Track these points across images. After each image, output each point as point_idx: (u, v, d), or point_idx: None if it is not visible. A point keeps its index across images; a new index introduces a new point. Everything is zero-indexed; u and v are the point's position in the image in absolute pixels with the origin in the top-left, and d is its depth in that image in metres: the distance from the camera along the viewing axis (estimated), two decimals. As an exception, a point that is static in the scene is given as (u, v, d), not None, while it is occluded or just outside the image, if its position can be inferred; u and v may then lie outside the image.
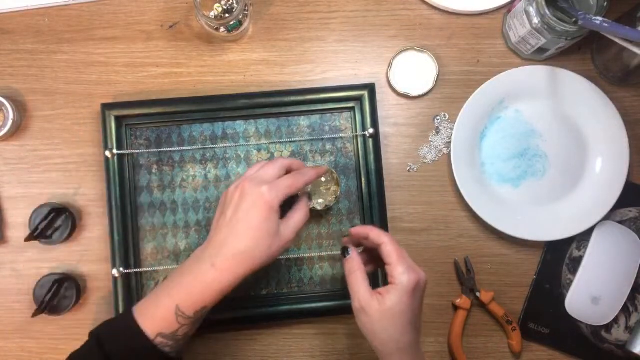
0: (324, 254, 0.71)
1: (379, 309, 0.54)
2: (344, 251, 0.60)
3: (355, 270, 0.57)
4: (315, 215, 0.71)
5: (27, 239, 0.67)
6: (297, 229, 0.58)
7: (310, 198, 0.62)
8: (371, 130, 0.70)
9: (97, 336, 0.53)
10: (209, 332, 0.71)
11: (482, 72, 0.73)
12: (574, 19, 0.63)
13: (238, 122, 0.72)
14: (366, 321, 0.56)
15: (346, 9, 0.74)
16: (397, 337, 0.55)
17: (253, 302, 0.71)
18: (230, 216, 0.55)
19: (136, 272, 0.70)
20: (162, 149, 0.71)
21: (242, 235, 0.54)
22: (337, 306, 0.69)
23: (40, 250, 0.71)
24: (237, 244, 0.54)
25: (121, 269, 0.68)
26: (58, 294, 0.68)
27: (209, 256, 0.54)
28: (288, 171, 0.59)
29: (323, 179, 0.68)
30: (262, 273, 0.71)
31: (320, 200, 0.68)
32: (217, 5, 0.70)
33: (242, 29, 0.71)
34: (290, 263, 0.71)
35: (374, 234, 0.58)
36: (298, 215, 0.58)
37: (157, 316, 0.53)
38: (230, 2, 0.70)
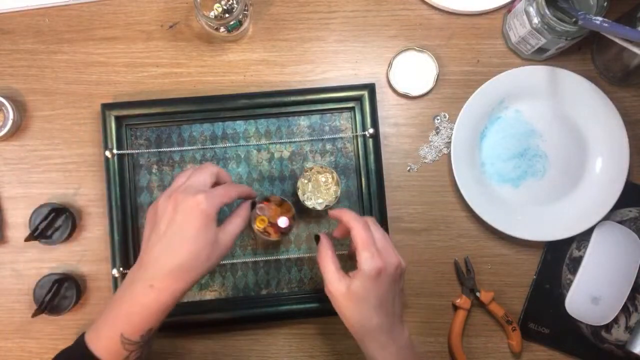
0: (324, 254, 0.71)
1: (346, 293, 0.55)
2: (317, 238, 0.61)
3: (324, 255, 0.58)
4: (315, 215, 0.71)
5: (27, 239, 0.67)
6: (235, 235, 0.57)
7: (253, 206, 0.63)
8: (371, 130, 0.70)
9: None
10: (209, 332, 0.71)
11: (482, 72, 0.73)
12: (574, 19, 0.63)
13: (238, 122, 0.72)
14: (336, 304, 0.57)
15: (346, 9, 0.74)
16: (364, 321, 0.56)
17: (253, 302, 0.71)
18: (164, 230, 0.53)
19: (136, 272, 0.70)
20: (162, 149, 0.71)
21: (179, 248, 0.52)
22: (337, 306, 0.69)
23: (40, 250, 0.71)
24: (173, 259, 0.52)
25: (121, 269, 0.68)
26: (58, 294, 0.68)
27: (145, 276, 0.52)
28: (218, 180, 0.58)
29: (323, 179, 0.68)
30: (262, 273, 0.71)
31: (320, 201, 0.68)
32: (217, 5, 0.70)
33: (242, 29, 0.71)
34: (290, 263, 0.71)
35: (345, 218, 0.58)
36: (237, 221, 0.58)
37: (104, 346, 0.52)
38: (230, 2, 0.70)
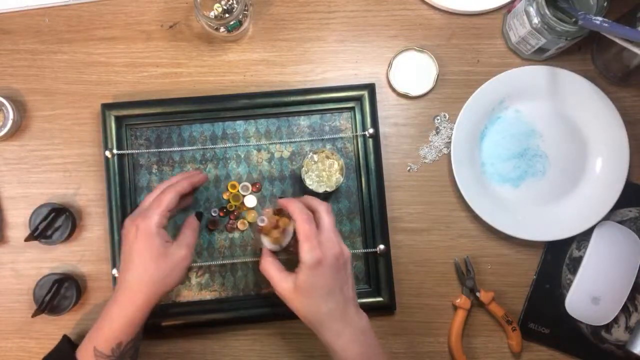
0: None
1: (293, 288, 0.58)
2: (198, 215, 0.66)
3: (264, 261, 0.61)
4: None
5: (27, 239, 0.67)
6: (188, 245, 0.62)
7: (199, 217, 0.67)
8: (371, 130, 0.70)
9: None
10: (209, 332, 0.71)
11: (482, 72, 0.73)
12: (574, 19, 0.63)
13: (238, 122, 0.72)
14: (287, 302, 0.59)
15: (346, 9, 0.74)
16: (314, 311, 0.58)
17: (253, 302, 0.71)
18: (124, 252, 0.60)
19: (136, 272, 0.70)
20: (162, 149, 0.71)
21: (133, 266, 0.58)
22: (337, 306, 0.69)
23: (40, 250, 0.71)
24: (129, 275, 0.58)
25: (121, 269, 0.68)
26: (58, 294, 0.68)
27: (114, 293, 0.59)
28: (186, 190, 0.63)
29: (329, 163, 0.68)
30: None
31: (322, 184, 0.68)
32: (217, 5, 0.70)
33: (242, 29, 0.71)
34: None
35: (290, 209, 0.60)
36: (186, 232, 0.63)
37: (83, 358, 0.57)
38: (230, 2, 0.70)
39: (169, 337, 0.71)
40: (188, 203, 0.69)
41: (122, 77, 0.73)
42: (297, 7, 0.74)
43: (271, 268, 0.60)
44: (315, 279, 0.57)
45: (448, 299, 0.72)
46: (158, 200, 0.60)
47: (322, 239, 0.58)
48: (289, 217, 0.62)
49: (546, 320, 0.72)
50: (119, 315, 0.57)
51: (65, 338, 0.63)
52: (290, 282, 0.58)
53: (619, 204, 0.71)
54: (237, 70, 0.74)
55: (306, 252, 0.57)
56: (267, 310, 0.70)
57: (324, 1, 0.74)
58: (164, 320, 0.69)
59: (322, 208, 0.60)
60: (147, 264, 0.58)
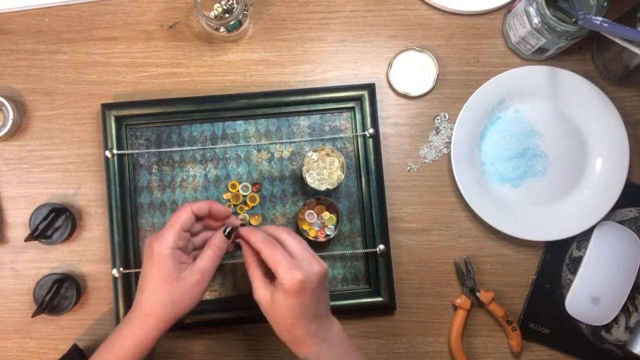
0: (324, 253, 0.71)
1: (270, 303, 0.56)
2: (227, 233, 0.59)
3: (250, 261, 0.58)
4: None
5: (27, 239, 0.67)
6: (203, 271, 0.57)
7: (229, 235, 0.60)
8: (371, 130, 0.70)
9: None
10: (209, 332, 0.71)
11: (482, 72, 0.73)
12: (574, 19, 0.63)
13: (238, 122, 0.72)
14: (263, 311, 0.57)
15: (346, 9, 0.74)
16: (289, 329, 0.56)
17: (253, 302, 0.70)
18: (141, 272, 0.58)
19: (136, 272, 0.70)
20: (162, 149, 0.71)
21: (145, 287, 0.56)
22: (336, 306, 0.69)
23: (40, 250, 0.71)
24: (142, 297, 0.57)
25: (121, 269, 0.68)
26: (58, 294, 0.68)
27: (129, 311, 0.58)
28: (197, 213, 0.59)
29: (330, 160, 0.68)
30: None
31: (323, 181, 0.68)
32: (217, 5, 0.70)
33: (242, 29, 0.71)
34: (290, 263, 0.71)
35: (252, 240, 0.57)
36: (205, 254, 0.58)
37: None
38: (230, 2, 0.70)
39: (169, 337, 0.71)
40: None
41: (122, 77, 0.73)
42: (297, 7, 0.74)
43: (255, 270, 0.58)
44: (294, 301, 0.54)
45: (448, 299, 0.72)
46: (172, 219, 0.57)
47: (297, 260, 0.55)
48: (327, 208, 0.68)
49: (546, 320, 0.72)
50: (128, 335, 0.56)
51: (75, 348, 0.62)
52: (268, 294, 0.56)
53: (619, 204, 0.71)
54: (237, 70, 0.74)
55: (284, 275, 0.54)
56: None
57: (324, 1, 0.74)
58: None
59: (283, 233, 0.58)
60: (158, 288, 0.56)
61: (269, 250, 0.56)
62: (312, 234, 0.69)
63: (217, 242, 0.59)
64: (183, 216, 0.57)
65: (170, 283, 0.55)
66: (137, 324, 0.56)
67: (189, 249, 0.60)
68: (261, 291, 0.57)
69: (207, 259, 0.58)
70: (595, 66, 0.74)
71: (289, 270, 0.54)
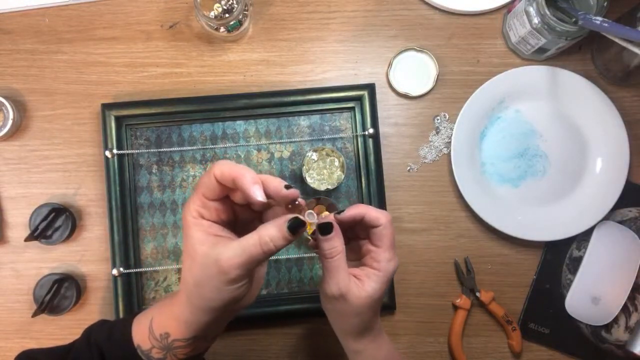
0: (324, 254, 0.71)
1: (358, 295, 0.50)
2: (326, 229, 0.48)
3: (339, 251, 0.49)
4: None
5: (27, 239, 0.67)
6: (238, 252, 0.43)
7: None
8: (371, 130, 0.70)
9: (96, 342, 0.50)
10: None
11: (482, 72, 0.73)
12: (574, 19, 0.63)
13: (238, 122, 0.72)
14: (342, 307, 0.51)
15: (346, 9, 0.74)
16: (367, 321, 0.53)
17: (253, 302, 0.70)
18: None
19: (136, 272, 0.70)
20: (162, 149, 0.71)
21: (183, 257, 0.47)
22: (337, 306, 0.69)
23: (40, 250, 0.71)
24: (183, 271, 0.47)
25: (121, 269, 0.68)
26: (58, 294, 0.68)
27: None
28: (224, 173, 0.44)
29: (330, 160, 0.68)
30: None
31: (323, 182, 0.68)
32: (217, 5, 0.70)
33: (242, 29, 0.71)
34: (291, 263, 0.71)
35: (371, 215, 0.51)
36: (237, 249, 0.43)
37: (139, 327, 0.49)
38: (230, 2, 0.70)
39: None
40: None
41: (122, 77, 0.73)
42: (297, 7, 0.74)
43: (342, 263, 0.49)
44: (383, 290, 0.51)
45: (448, 299, 0.72)
46: (202, 180, 0.45)
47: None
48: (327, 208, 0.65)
49: (546, 320, 0.72)
50: (176, 306, 0.47)
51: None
52: (355, 287, 0.50)
53: (619, 204, 0.71)
54: (237, 70, 0.74)
55: (389, 261, 0.51)
56: (266, 310, 0.70)
57: (324, 1, 0.74)
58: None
59: (387, 219, 0.52)
60: (185, 261, 0.45)
61: (391, 229, 0.51)
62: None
63: (270, 233, 0.43)
64: (203, 180, 0.45)
65: (193, 258, 0.44)
66: (176, 295, 0.48)
67: (245, 221, 0.49)
68: (347, 284, 0.49)
69: (245, 249, 0.43)
70: (595, 66, 0.74)
71: (392, 259, 0.51)
